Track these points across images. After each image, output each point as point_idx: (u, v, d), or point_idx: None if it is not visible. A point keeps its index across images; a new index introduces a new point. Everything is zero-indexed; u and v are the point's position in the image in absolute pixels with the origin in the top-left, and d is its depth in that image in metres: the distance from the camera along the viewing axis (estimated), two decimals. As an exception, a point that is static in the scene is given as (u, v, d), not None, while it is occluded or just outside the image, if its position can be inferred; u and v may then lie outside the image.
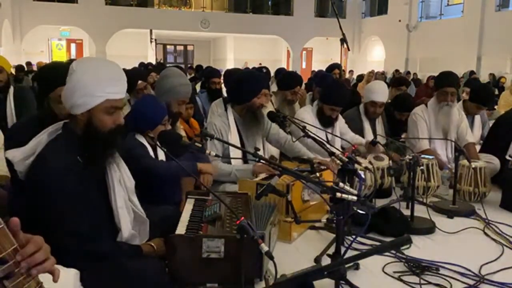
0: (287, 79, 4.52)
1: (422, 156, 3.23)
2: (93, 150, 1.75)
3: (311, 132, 2.84)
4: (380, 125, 4.11)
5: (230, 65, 20.33)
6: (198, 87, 6.58)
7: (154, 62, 17.36)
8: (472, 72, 11.92)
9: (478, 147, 4.13)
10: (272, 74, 7.58)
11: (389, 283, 2.13)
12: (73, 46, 22.65)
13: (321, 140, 2.78)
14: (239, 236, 1.59)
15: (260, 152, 2.92)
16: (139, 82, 4.18)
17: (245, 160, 3.07)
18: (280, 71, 6.42)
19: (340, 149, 3.16)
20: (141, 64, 11.65)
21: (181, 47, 27.18)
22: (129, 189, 1.93)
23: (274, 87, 4.89)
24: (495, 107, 7.27)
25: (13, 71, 11.82)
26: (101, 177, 1.83)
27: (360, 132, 3.93)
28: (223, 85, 5.50)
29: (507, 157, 3.47)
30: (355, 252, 1.96)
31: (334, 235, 2.25)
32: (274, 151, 3.63)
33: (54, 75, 2.10)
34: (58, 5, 19.55)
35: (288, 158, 3.41)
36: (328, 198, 1.95)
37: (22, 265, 0.98)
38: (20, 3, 18.84)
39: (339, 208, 1.85)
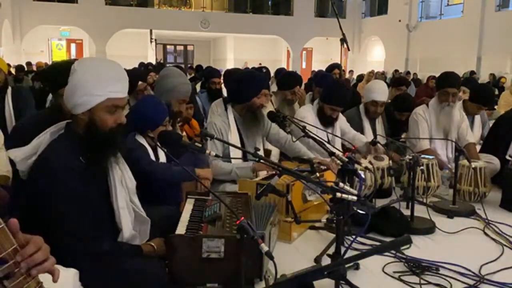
0: (287, 79, 4.52)
1: (422, 156, 3.22)
2: (95, 150, 1.75)
3: (311, 132, 2.84)
4: (380, 125, 4.11)
5: (230, 65, 20.33)
6: (198, 87, 6.58)
7: (154, 62, 17.34)
8: (472, 72, 11.93)
9: (478, 147, 4.12)
10: (272, 74, 7.58)
11: (389, 283, 2.13)
12: (73, 46, 22.66)
13: (321, 140, 2.78)
14: (239, 236, 1.58)
15: (260, 152, 2.92)
16: (140, 83, 4.17)
17: (245, 160, 3.08)
18: (280, 71, 6.42)
19: (341, 149, 3.16)
20: (141, 64, 11.61)
21: (181, 47, 27.17)
22: (130, 190, 1.93)
23: (274, 87, 4.88)
24: (495, 107, 7.26)
25: (13, 71, 11.83)
26: (103, 177, 1.83)
27: (360, 132, 3.92)
28: (223, 85, 5.50)
29: (507, 157, 3.46)
30: (355, 252, 1.95)
31: (334, 235, 2.24)
32: (274, 151, 3.63)
33: (66, 71, 2.10)
34: (58, 5, 19.56)
35: (288, 158, 3.41)
36: (328, 198, 1.95)
37: (22, 265, 0.98)
38: (20, 3, 18.85)
39: (339, 208, 1.85)
